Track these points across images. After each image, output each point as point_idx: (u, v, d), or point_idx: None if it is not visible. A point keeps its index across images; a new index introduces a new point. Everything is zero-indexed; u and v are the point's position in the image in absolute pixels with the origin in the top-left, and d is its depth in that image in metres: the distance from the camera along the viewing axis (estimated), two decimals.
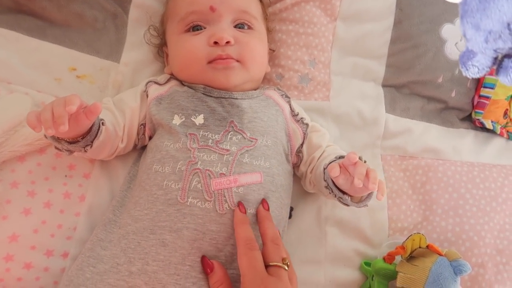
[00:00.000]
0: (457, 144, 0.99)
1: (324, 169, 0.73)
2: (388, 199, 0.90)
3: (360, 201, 0.72)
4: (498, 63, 0.40)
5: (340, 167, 0.67)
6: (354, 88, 0.99)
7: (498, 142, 1.02)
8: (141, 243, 0.65)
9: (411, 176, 0.93)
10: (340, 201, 0.72)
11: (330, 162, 0.73)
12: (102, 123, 0.69)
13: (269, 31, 0.92)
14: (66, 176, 0.77)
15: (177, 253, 0.64)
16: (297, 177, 0.87)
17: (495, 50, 0.38)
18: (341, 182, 0.68)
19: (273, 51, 0.95)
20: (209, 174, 0.69)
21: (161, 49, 0.91)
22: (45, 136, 0.68)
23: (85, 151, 0.69)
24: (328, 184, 0.72)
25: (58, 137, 0.67)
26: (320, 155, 0.82)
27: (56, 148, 0.69)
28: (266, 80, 0.96)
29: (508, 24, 0.36)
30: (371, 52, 1.01)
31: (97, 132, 0.68)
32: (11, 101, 0.76)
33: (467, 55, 0.41)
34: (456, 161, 0.96)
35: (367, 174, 0.64)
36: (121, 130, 0.76)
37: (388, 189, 0.91)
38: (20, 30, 0.84)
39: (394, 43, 1.00)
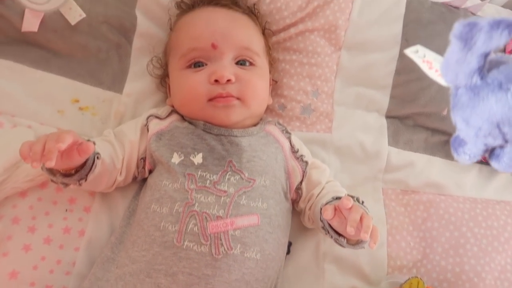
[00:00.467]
0: (461, 178, 0.97)
1: (321, 209, 0.73)
2: (388, 236, 0.89)
3: (357, 243, 0.71)
4: (490, 150, 0.39)
5: (335, 209, 0.66)
6: (357, 119, 0.98)
7: (503, 177, 1.00)
8: (137, 286, 0.66)
9: (412, 212, 0.92)
10: (336, 242, 0.72)
11: (327, 203, 0.72)
12: (97, 157, 0.69)
13: (271, 63, 0.92)
14: (66, 210, 0.78)
15: None
16: (297, 212, 0.86)
17: (485, 144, 0.38)
18: (336, 225, 0.68)
19: (276, 82, 0.95)
20: (206, 217, 0.69)
21: (164, 79, 0.91)
22: (41, 168, 0.69)
23: (80, 184, 0.70)
24: (324, 225, 0.72)
25: (53, 170, 0.67)
26: (319, 192, 0.81)
27: (51, 181, 0.70)
28: (268, 110, 0.95)
29: (498, 124, 0.35)
30: (375, 82, 1.00)
31: (92, 166, 0.68)
32: (14, 135, 0.78)
33: (458, 142, 0.40)
34: (458, 197, 0.95)
35: (361, 220, 0.63)
36: (119, 163, 0.76)
37: (388, 225, 0.90)
38: (25, 62, 0.85)
39: (399, 74, 0.99)
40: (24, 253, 0.73)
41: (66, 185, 0.70)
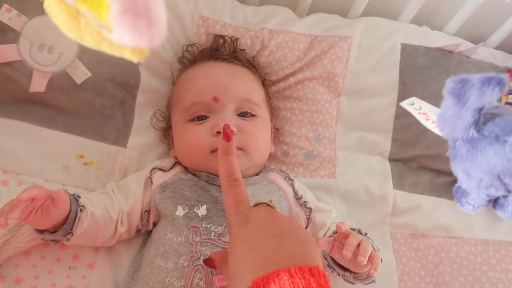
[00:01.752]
0: (469, 220, 0.95)
1: None
2: (399, 283, 0.87)
3: (366, 278, 0.70)
4: (494, 200, 0.39)
5: (335, 240, 0.66)
6: (361, 163, 0.98)
7: None
8: None
9: (423, 256, 0.90)
10: (344, 279, 0.71)
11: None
12: (81, 209, 0.69)
13: (272, 112, 0.93)
14: (70, 268, 0.77)
15: None
16: None
17: (488, 195, 0.38)
18: (338, 257, 0.67)
19: (277, 129, 0.96)
20: (211, 271, 0.68)
21: (167, 131, 0.93)
22: (35, 231, 0.69)
23: (68, 239, 0.70)
24: (329, 263, 0.71)
25: (39, 229, 0.68)
26: (325, 234, 0.80)
27: (42, 239, 0.70)
28: (271, 157, 0.96)
29: (499, 176, 0.36)
30: (376, 127, 1.01)
31: (75, 219, 0.68)
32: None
33: (461, 193, 0.41)
34: (469, 239, 0.93)
35: (359, 246, 0.62)
36: (115, 214, 0.76)
37: (399, 271, 0.88)
38: (32, 121, 0.87)
39: (399, 117, 1.00)
40: None
41: (56, 242, 0.71)
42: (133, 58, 0.32)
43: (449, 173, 0.99)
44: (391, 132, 1.00)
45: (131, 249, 0.82)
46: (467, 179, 0.38)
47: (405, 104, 0.51)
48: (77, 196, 0.72)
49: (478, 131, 0.37)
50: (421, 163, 1.01)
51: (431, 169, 1.00)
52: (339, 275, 0.70)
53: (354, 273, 0.69)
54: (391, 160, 1.00)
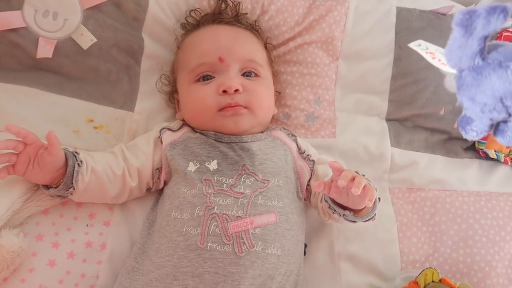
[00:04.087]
0: (463, 174, 1.01)
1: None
2: (398, 232, 0.92)
3: (366, 213, 0.74)
4: (495, 126, 0.43)
5: (333, 181, 0.70)
6: (359, 124, 1.02)
7: (502, 170, 1.04)
8: None
9: (419, 208, 0.95)
10: (345, 219, 0.75)
11: None
12: (78, 164, 0.73)
13: (274, 75, 0.96)
14: (87, 225, 0.80)
15: None
16: (308, 214, 0.89)
17: (490, 119, 0.42)
18: (335, 196, 0.72)
19: (279, 92, 1.00)
20: (226, 218, 0.72)
21: (172, 96, 0.95)
22: (40, 185, 0.74)
23: (71, 193, 0.74)
24: (330, 205, 0.75)
25: (46, 186, 0.73)
26: None
27: (49, 195, 0.75)
28: (274, 120, 0.99)
29: (501, 98, 0.40)
30: (373, 88, 1.05)
31: (73, 173, 0.72)
32: None
33: (466, 120, 0.44)
34: (462, 191, 0.98)
35: (353, 179, 0.66)
36: (119, 169, 0.79)
37: (398, 222, 0.93)
38: (40, 87, 0.89)
39: (395, 79, 1.04)
40: (50, 268, 0.74)
41: (62, 197, 0.75)
42: None
43: (443, 131, 1.05)
44: (387, 93, 1.04)
45: (144, 207, 0.86)
46: (472, 105, 0.42)
47: (413, 45, 0.55)
48: (76, 152, 0.75)
49: (483, 59, 0.40)
50: (416, 122, 1.05)
51: (426, 128, 1.05)
52: (340, 215, 0.75)
53: (354, 212, 0.74)
54: (388, 120, 1.04)
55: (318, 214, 0.85)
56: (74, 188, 0.73)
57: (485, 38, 0.40)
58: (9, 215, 0.72)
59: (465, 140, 1.04)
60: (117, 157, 0.80)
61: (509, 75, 0.38)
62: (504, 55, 0.40)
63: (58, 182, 0.73)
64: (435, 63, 0.51)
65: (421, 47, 0.53)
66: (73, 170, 0.72)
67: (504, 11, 0.37)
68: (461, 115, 0.46)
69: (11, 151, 0.69)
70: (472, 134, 0.45)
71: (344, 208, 0.74)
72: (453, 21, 0.42)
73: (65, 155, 0.72)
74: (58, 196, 0.74)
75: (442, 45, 1.10)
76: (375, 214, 0.75)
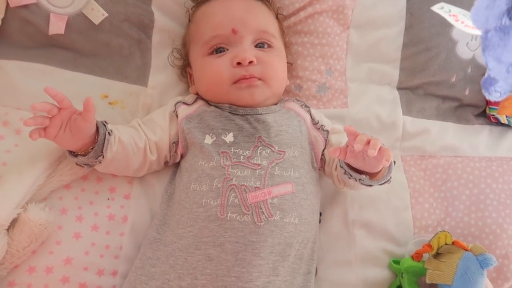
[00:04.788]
0: (474, 140, 1.02)
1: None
2: (411, 199, 0.94)
3: (382, 177, 0.76)
4: None
5: (348, 146, 0.71)
6: (371, 93, 1.03)
7: None
8: (188, 259, 0.71)
9: (431, 175, 0.97)
10: (361, 183, 0.76)
11: None
12: (109, 133, 0.74)
13: (286, 46, 0.96)
14: (108, 199, 0.82)
15: (222, 266, 0.69)
16: (322, 184, 0.91)
17: None
18: (352, 161, 0.72)
19: (291, 64, 0.99)
20: (244, 189, 0.74)
21: (185, 70, 0.96)
22: (67, 153, 0.75)
23: (100, 162, 0.75)
24: (346, 171, 0.77)
25: (74, 153, 0.74)
26: None
27: (76, 164, 0.76)
28: (286, 92, 0.99)
29: None
30: (385, 57, 1.05)
31: (104, 141, 0.73)
32: None
33: (489, 81, 0.45)
34: (474, 157, 1.00)
35: (368, 142, 0.67)
36: (142, 142, 0.80)
37: (410, 189, 0.95)
38: (54, 63, 0.89)
39: (407, 47, 1.04)
40: (75, 240, 0.77)
41: (89, 166, 0.76)
42: None
43: (454, 99, 1.06)
44: (399, 61, 1.04)
45: (162, 181, 0.87)
46: (497, 65, 0.42)
47: (435, 8, 0.54)
48: (105, 122, 0.76)
49: (510, 19, 0.41)
50: (427, 90, 1.05)
51: (437, 96, 1.06)
52: (356, 180, 0.76)
53: (370, 176, 0.75)
54: (399, 89, 1.05)
55: (333, 182, 0.87)
56: (103, 157, 0.74)
57: None
58: (34, 190, 0.74)
59: (476, 106, 1.07)
60: (138, 131, 0.82)
61: None
62: None
63: (86, 150, 0.74)
64: (458, 25, 0.51)
65: (443, 9, 0.53)
66: (104, 139, 0.73)
67: None
68: (485, 76, 0.46)
69: (45, 114, 0.70)
70: (495, 95, 0.46)
71: (360, 172, 0.75)
72: None
73: (96, 124, 0.73)
74: (86, 164, 0.76)
75: None
76: (390, 177, 0.76)
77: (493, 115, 1.05)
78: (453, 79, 1.04)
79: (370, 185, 0.76)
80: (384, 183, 0.76)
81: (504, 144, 1.04)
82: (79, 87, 0.89)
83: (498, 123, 1.05)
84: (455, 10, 0.53)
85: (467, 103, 1.06)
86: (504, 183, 0.94)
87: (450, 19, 0.52)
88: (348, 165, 0.76)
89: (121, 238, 0.81)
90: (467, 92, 1.05)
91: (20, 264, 0.73)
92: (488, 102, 1.07)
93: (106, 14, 0.90)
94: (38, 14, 0.87)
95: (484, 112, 1.08)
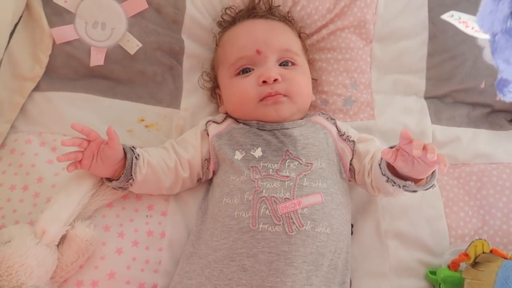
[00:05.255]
0: (508, 146, 1.00)
1: (379, 165, 0.77)
2: (445, 208, 0.93)
3: (426, 182, 0.75)
4: None
5: (398, 150, 0.71)
6: (397, 104, 1.04)
7: None
8: (224, 271, 0.73)
9: (465, 183, 0.95)
10: (405, 190, 0.76)
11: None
12: (136, 157, 0.80)
13: (310, 63, 0.99)
14: (147, 216, 0.87)
15: (257, 276, 0.72)
16: (353, 195, 0.92)
17: None
18: (401, 165, 0.72)
19: (316, 80, 1.02)
20: (274, 200, 0.76)
21: (214, 91, 1.01)
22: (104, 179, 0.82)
23: (131, 185, 0.81)
24: (388, 178, 0.76)
25: (109, 179, 0.81)
26: (371, 158, 0.84)
27: (111, 187, 0.82)
28: (312, 107, 1.02)
29: None
30: (410, 68, 1.05)
31: (131, 165, 0.79)
32: None
33: (503, 83, 0.46)
34: (509, 163, 0.97)
35: (424, 148, 0.67)
36: (172, 162, 0.85)
37: (444, 198, 0.94)
38: (95, 92, 0.97)
39: (432, 56, 1.04)
40: (118, 255, 0.82)
41: (123, 188, 0.83)
42: None
43: (485, 105, 1.05)
44: (424, 71, 1.05)
45: (196, 197, 0.92)
46: (507, 67, 0.43)
47: (445, 16, 0.56)
48: (133, 147, 0.82)
49: None
50: (456, 98, 1.05)
51: (467, 103, 1.05)
52: (399, 187, 0.76)
53: (415, 181, 0.75)
54: (426, 98, 1.05)
55: (367, 190, 0.87)
56: (133, 180, 0.80)
57: None
58: (80, 209, 0.79)
59: (509, 111, 1.04)
60: (168, 151, 0.87)
61: None
62: None
63: (119, 174, 0.80)
64: (468, 31, 0.52)
65: (453, 17, 0.54)
66: (132, 163, 0.79)
67: None
68: (498, 78, 0.47)
69: (77, 148, 0.77)
70: (510, 96, 0.46)
71: (404, 179, 0.75)
72: None
73: (124, 149, 0.79)
74: (120, 188, 0.82)
75: None
76: (435, 182, 0.76)
77: None
78: (483, 85, 1.03)
79: (415, 191, 0.75)
80: (429, 188, 0.75)
81: None
82: (118, 112, 0.96)
83: None
84: (465, 17, 0.54)
85: (499, 109, 1.04)
86: None
87: (460, 26, 0.53)
88: (391, 172, 0.76)
89: (160, 253, 0.85)
90: (498, 98, 1.03)
91: (68, 278, 0.78)
92: None
93: (140, 45, 0.97)
94: (80, 48, 0.96)
95: None
